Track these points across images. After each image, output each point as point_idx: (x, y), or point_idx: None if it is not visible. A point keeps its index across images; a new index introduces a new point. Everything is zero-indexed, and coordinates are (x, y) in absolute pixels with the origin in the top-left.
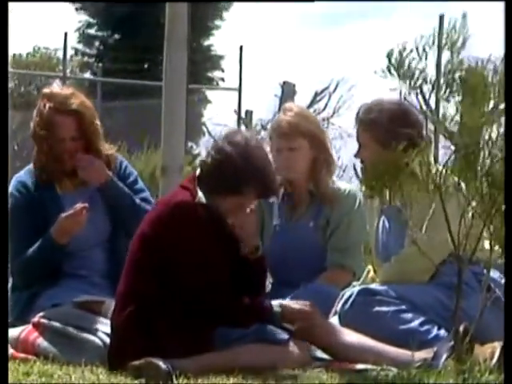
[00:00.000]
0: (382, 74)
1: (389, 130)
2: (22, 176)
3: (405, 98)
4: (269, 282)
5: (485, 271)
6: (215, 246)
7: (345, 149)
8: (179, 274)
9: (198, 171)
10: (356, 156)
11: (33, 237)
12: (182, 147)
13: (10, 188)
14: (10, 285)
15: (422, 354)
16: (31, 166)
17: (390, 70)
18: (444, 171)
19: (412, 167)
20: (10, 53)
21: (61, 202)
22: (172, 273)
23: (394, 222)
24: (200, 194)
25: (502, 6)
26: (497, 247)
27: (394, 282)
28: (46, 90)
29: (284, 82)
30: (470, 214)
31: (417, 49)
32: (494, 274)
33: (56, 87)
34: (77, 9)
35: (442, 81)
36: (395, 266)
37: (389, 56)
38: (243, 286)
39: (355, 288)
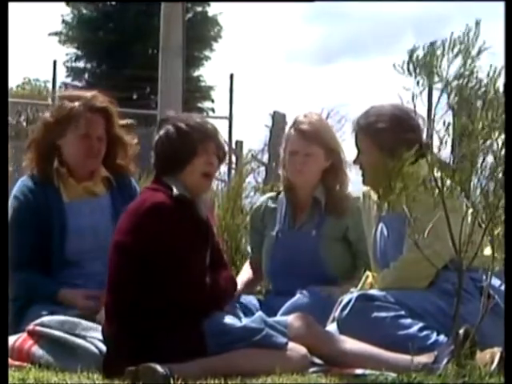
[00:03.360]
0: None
1: (389, 135)
2: (27, 180)
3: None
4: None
5: (484, 277)
6: (193, 240)
7: None
8: (163, 275)
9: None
10: (355, 162)
11: (33, 244)
12: None
13: (15, 190)
14: None
15: (422, 358)
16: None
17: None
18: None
19: (414, 171)
20: None
21: (65, 210)
22: (156, 275)
23: (393, 229)
24: (173, 187)
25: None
26: (497, 254)
27: (393, 288)
28: (64, 93)
29: (274, 112)
30: (469, 220)
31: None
32: (493, 280)
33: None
34: (62, 41)
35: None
36: (394, 273)
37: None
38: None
39: (353, 294)
